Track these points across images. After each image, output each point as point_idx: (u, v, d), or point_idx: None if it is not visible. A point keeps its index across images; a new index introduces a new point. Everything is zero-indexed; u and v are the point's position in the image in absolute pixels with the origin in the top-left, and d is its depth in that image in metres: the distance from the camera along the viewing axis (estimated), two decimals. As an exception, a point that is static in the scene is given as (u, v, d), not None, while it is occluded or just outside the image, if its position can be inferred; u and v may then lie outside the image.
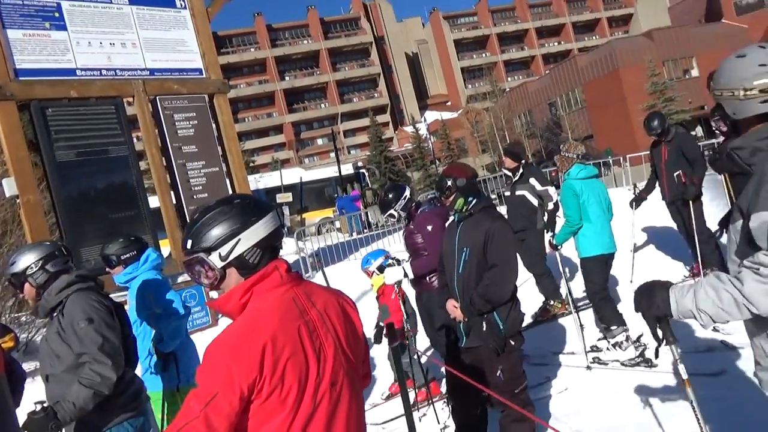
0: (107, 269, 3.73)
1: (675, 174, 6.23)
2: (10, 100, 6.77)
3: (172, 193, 8.08)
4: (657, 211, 7.02)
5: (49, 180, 7.00)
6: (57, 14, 7.29)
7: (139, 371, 3.77)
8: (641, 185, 6.87)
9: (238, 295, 1.61)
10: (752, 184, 1.75)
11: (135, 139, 8.11)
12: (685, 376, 2.27)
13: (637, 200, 6.67)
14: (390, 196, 4.72)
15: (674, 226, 6.64)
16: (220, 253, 1.61)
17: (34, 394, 3.02)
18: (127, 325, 3.03)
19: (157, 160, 7.91)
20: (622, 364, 4.73)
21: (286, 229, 19.85)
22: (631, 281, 6.22)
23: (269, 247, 1.66)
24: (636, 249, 6.89)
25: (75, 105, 7.27)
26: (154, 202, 8.00)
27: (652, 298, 1.94)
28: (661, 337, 2.05)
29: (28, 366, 6.41)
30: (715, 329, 4.63)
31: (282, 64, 67.73)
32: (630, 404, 3.97)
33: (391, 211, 4.70)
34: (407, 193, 4.72)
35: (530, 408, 3.37)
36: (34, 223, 6.76)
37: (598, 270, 5.17)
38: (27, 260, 2.83)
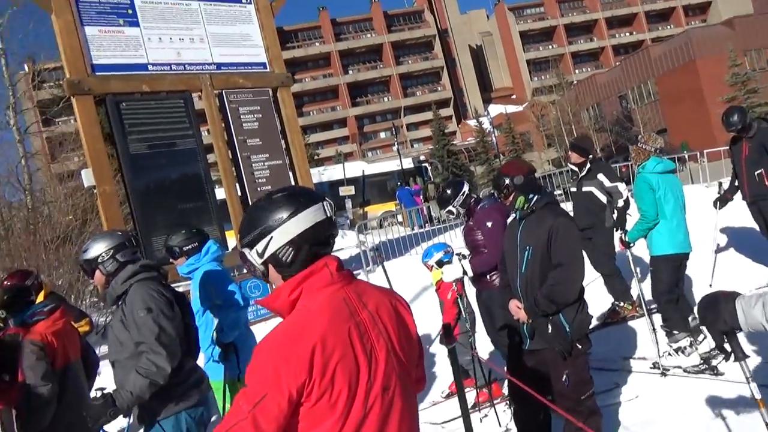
0: (171, 260, 3.83)
1: (756, 173, 5.79)
2: (88, 94, 7.08)
3: (237, 185, 8.25)
4: (740, 211, 6.57)
5: (123, 171, 7.29)
6: (130, 11, 7.55)
7: (201, 360, 3.85)
8: (726, 183, 6.44)
9: (286, 293, 1.56)
10: None
11: (206, 132, 8.33)
12: (758, 396, 2.07)
13: (722, 200, 6.25)
14: (448, 192, 4.58)
15: (757, 227, 6.20)
16: (257, 250, 1.59)
17: (108, 379, 3.11)
18: (190, 315, 3.06)
19: (224, 152, 8.10)
20: (685, 370, 4.45)
21: (348, 221, 20.00)
22: (710, 285, 5.85)
23: (309, 243, 1.58)
24: (718, 250, 6.48)
25: (147, 99, 7.53)
26: (220, 194, 8.20)
27: (718, 311, 1.77)
28: (729, 351, 1.87)
29: (105, 349, 6.71)
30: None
31: (346, 58, 68.29)
32: (706, 416, 3.71)
33: (450, 208, 4.56)
34: (466, 188, 4.58)
35: (597, 416, 3.21)
36: (110, 213, 7.05)
37: (669, 270, 4.87)
38: (98, 248, 2.92)
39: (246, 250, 1.61)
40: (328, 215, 1.60)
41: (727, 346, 1.87)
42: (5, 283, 4.27)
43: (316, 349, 1.44)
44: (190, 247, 3.70)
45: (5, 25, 15.77)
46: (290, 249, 1.57)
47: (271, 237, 1.57)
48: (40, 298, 4.12)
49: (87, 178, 7.15)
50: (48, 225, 9.88)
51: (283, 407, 1.43)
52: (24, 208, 12.40)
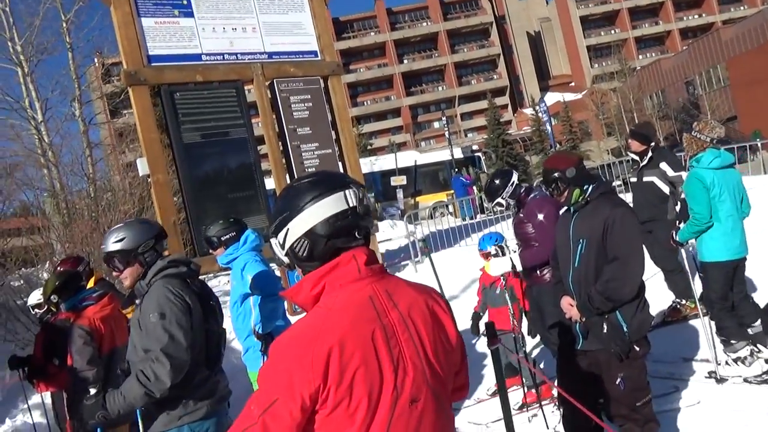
0: (210, 250, 3.80)
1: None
2: (144, 84, 7.22)
3: (287, 174, 8.27)
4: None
5: (176, 160, 7.41)
6: (185, 2, 7.64)
7: (240, 347, 3.83)
8: None
9: (308, 287, 1.44)
10: None
11: (258, 125, 8.39)
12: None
13: None
14: (496, 182, 4.35)
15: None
16: (278, 241, 1.49)
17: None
18: (216, 319, 2.81)
19: (274, 142, 8.12)
20: (745, 380, 4.09)
21: (399, 211, 19.91)
22: (781, 285, 5.42)
23: (326, 236, 1.44)
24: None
25: (200, 89, 7.61)
26: (270, 183, 8.24)
27: None
28: None
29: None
30: None
31: (401, 48, 67.94)
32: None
33: (499, 200, 4.34)
34: (515, 178, 4.34)
35: (654, 424, 2.99)
36: (162, 201, 7.19)
37: (722, 277, 4.42)
38: (140, 238, 2.64)
39: (272, 240, 1.52)
40: (350, 205, 1.45)
41: None
42: (58, 268, 4.42)
43: (333, 352, 1.32)
44: (228, 236, 3.65)
45: (71, 20, 16.37)
46: (305, 242, 1.45)
47: (288, 229, 1.46)
48: (90, 283, 4.23)
49: (142, 166, 7.31)
50: (108, 212, 10.22)
51: (296, 415, 1.32)
52: (87, 196, 12.92)
